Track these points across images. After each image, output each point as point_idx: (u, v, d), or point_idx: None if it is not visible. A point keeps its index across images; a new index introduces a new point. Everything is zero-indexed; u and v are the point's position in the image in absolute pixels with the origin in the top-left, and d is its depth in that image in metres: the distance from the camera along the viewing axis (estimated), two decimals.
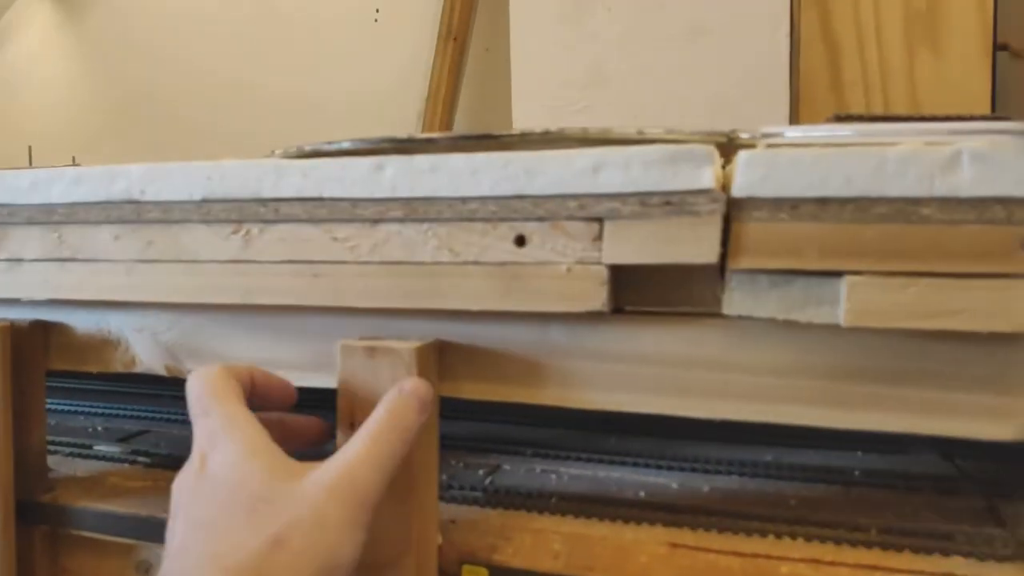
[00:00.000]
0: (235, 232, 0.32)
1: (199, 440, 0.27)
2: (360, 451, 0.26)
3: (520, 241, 0.29)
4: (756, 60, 0.69)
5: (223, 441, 0.26)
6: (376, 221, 0.30)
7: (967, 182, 0.24)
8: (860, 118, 0.61)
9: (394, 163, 0.29)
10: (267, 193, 0.31)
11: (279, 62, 1.14)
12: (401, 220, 0.30)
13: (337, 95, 1.10)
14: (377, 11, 1.09)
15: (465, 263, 0.29)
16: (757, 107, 0.68)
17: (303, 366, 0.34)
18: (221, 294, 0.33)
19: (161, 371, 0.37)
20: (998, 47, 0.65)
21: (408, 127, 0.99)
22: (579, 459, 0.40)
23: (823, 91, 0.70)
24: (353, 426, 0.30)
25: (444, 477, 0.38)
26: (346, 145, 0.31)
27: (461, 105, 0.98)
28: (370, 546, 0.29)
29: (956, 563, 0.28)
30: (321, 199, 0.30)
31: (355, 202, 0.30)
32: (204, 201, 0.32)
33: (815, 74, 0.69)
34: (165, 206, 0.33)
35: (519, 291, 0.29)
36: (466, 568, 0.31)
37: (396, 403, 0.28)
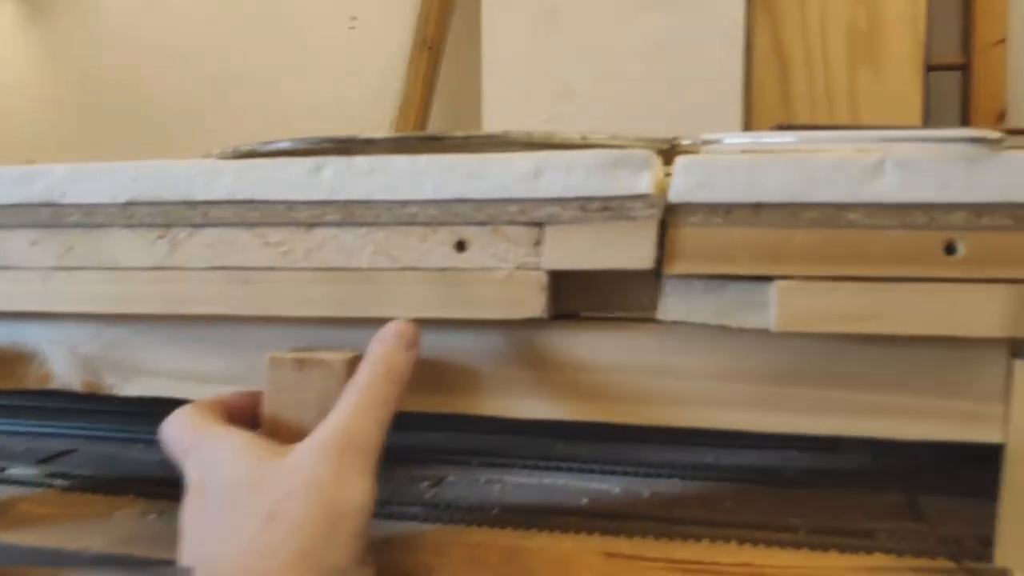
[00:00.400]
0: (161, 237, 0.31)
1: (192, 473, 0.26)
2: (348, 405, 0.26)
3: (460, 246, 0.28)
4: (713, 75, 0.71)
5: (211, 458, 0.25)
6: (311, 225, 0.29)
7: (890, 188, 0.25)
8: (801, 127, 0.63)
9: (332, 164, 0.28)
10: (197, 196, 0.30)
11: (255, 64, 1.11)
12: (338, 224, 0.29)
13: (313, 100, 1.08)
14: (353, 19, 1.07)
15: (403, 269, 0.29)
16: (713, 120, 0.70)
17: (234, 379, 0.32)
18: (145, 303, 0.31)
19: (78, 387, 0.35)
20: (930, 67, 0.69)
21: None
22: (525, 467, 0.39)
23: (775, 105, 0.73)
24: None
25: (388, 492, 0.36)
26: (284, 145, 0.30)
27: (434, 114, 0.97)
28: None
29: (878, 560, 0.29)
30: (254, 201, 0.29)
31: (290, 205, 0.29)
32: (129, 204, 0.31)
33: (767, 89, 0.72)
34: (87, 209, 0.32)
35: (458, 298, 0.28)
36: None
37: (377, 350, 0.27)
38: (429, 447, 0.42)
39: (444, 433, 0.44)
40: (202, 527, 0.25)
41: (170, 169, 0.30)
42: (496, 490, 0.37)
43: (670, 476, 0.37)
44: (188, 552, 0.25)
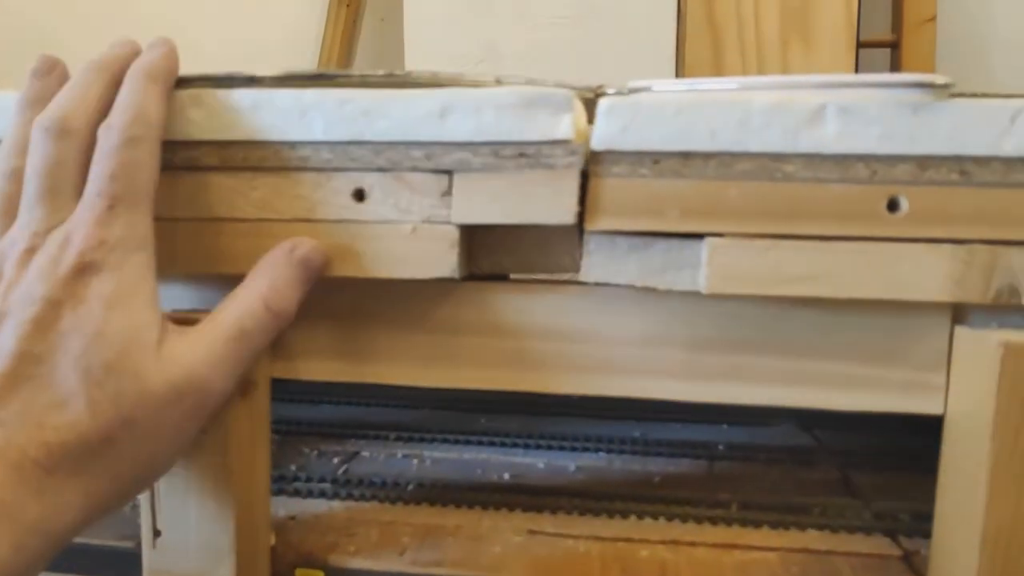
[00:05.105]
0: None
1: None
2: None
3: (359, 195, 0.24)
4: (645, 45, 0.68)
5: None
6: (188, 168, 0.24)
7: (831, 137, 0.21)
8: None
9: (209, 99, 0.24)
10: None
11: (160, 14, 1.01)
12: (217, 168, 0.24)
13: (224, 59, 0.98)
14: None
15: (294, 220, 0.24)
16: None
17: None
18: None
19: None
20: (861, 44, 0.67)
21: None
22: (445, 441, 0.36)
23: (707, 76, 0.70)
24: None
25: (292, 468, 0.32)
26: None
27: None
28: (179, 553, 0.24)
29: (812, 537, 0.26)
30: None
31: (162, 145, 0.24)
32: None
33: (700, 60, 0.69)
34: None
35: (357, 254, 0.24)
36: (299, 571, 0.26)
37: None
38: (343, 421, 0.38)
39: (361, 407, 0.40)
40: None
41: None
42: (413, 465, 0.33)
43: (597, 450, 0.34)
44: None
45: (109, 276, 0.20)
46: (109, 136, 0.21)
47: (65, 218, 0.21)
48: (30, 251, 0.20)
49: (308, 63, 0.89)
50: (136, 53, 0.24)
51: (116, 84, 0.23)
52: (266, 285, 0.22)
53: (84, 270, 0.20)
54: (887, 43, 0.74)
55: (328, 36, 0.84)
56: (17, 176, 0.22)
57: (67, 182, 0.21)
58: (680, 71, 0.69)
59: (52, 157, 0.21)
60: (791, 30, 0.68)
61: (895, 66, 0.74)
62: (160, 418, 0.20)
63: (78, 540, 0.26)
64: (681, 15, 0.69)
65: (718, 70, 0.69)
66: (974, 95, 0.24)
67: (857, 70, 0.67)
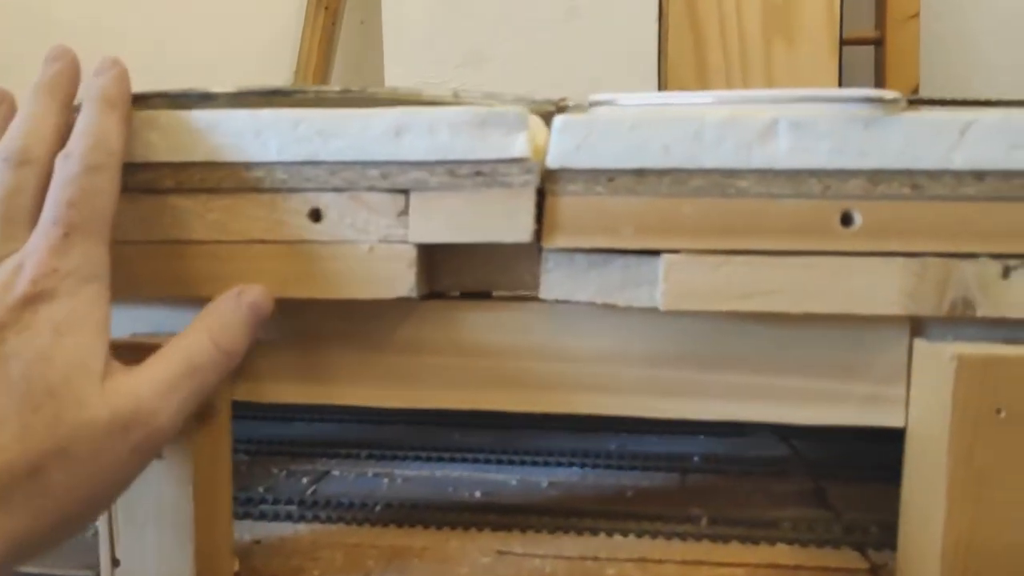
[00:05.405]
0: None
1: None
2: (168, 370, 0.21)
3: (315, 216, 0.24)
4: (627, 45, 0.69)
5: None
6: (144, 191, 0.24)
7: (783, 152, 0.22)
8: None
9: (165, 120, 0.24)
10: None
11: (138, 17, 1.01)
12: (174, 190, 0.24)
13: (200, 65, 0.98)
14: None
15: (250, 242, 0.24)
16: (627, 91, 0.68)
17: None
18: None
19: None
20: (844, 41, 0.67)
21: None
22: (417, 458, 0.36)
23: (690, 77, 0.70)
24: None
25: (260, 490, 0.32)
26: None
27: (334, 80, 0.90)
28: None
29: (781, 552, 0.26)
30: None
31: None
32: None
33: (682, 60, 0.69)
34: None
35: (314, 275, 0.24)
36: None
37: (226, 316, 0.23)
38: (314, 439, 0.38)
39: (333, 424, 0.41)
40: None
41: None
42: (384, 485, 0.33)
43: (571, 465, 0.34)
44: None
45: (60, 303, 0.20)
46: (68, 164, 0.21)
47: (19, 247, 0.21)
48: None
49: (287, 66, 0.89)
50: (76, 67, 0.24)
51: (68, 108, 0.23)
52: (216, 324, 0.22)
53: (35, 298, 0.20)
54: (871, 40, 0.75)
55: (307, 39, 0.85)
56: None
57: (23, 210, 0.21)
58: (662, 70, 0.70)
59: (10, 185, 0.21)
60: (773, 28, 0.69)
61: (879, 63, 0.75)
62: (100, 451, 0.19)
63: (35, 570, 0.27)
64: (663, 13, 0.70)
65: (700, 69, 0.69)
66: (930, 101, 0.24)
67: (841, 68, 0.68)
